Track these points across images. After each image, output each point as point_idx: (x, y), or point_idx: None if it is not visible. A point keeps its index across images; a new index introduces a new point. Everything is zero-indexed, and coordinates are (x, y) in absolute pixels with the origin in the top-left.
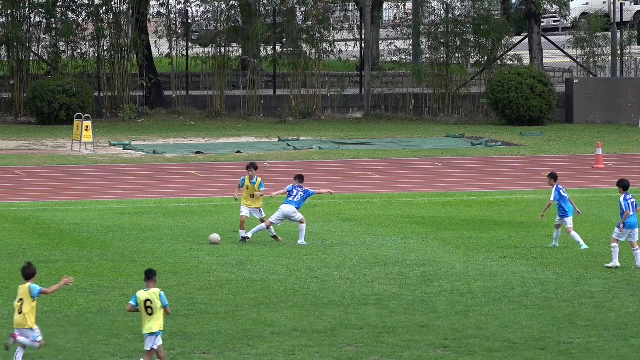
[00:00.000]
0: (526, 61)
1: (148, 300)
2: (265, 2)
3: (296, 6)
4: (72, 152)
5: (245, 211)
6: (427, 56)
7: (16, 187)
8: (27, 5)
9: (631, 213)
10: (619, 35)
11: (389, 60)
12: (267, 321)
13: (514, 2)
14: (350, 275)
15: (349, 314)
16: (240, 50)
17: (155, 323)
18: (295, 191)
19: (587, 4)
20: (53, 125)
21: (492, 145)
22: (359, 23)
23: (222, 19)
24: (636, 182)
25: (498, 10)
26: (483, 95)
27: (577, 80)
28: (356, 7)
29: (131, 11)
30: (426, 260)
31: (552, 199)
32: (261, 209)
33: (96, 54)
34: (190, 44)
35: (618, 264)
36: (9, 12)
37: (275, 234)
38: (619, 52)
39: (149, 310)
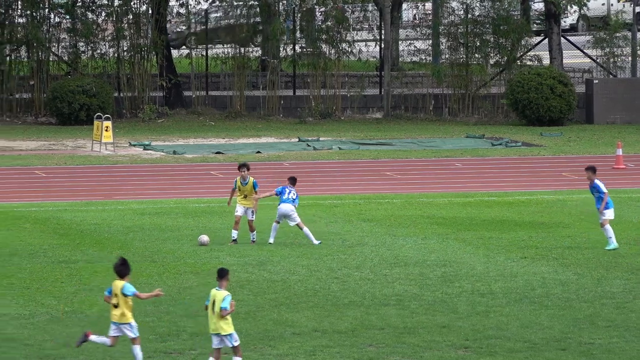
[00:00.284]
0: (546, 61)
1: (213, 300)
2: (285, 2)
3: (315, 6)
4: (92, 153)
5: (240, 210)
6: (447, 56)
7: (36, 188)
8: (46, 6)
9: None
10: (639, 35)
11: (408, 60)
12: (288, 321)
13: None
14: (371, 276)
15: (370, 314)
16: (260, 50)
17: (218, 324)
18: (287, 190)
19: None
20: (73, 126)
21: (512, 146)
22: (378, 23)
23: (240, 19)
24: None
25: (518, 10)
26: (503, 95)
27: (597, 81)
28: (376, 8)
29: (151, 11)
30: (446, 261)
31: (605, 190)
32: (254, 210)
33: (116, 54)
34: (209, 45)
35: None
36: (28, 12)
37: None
38: (639, 52)
39: (213, 311)
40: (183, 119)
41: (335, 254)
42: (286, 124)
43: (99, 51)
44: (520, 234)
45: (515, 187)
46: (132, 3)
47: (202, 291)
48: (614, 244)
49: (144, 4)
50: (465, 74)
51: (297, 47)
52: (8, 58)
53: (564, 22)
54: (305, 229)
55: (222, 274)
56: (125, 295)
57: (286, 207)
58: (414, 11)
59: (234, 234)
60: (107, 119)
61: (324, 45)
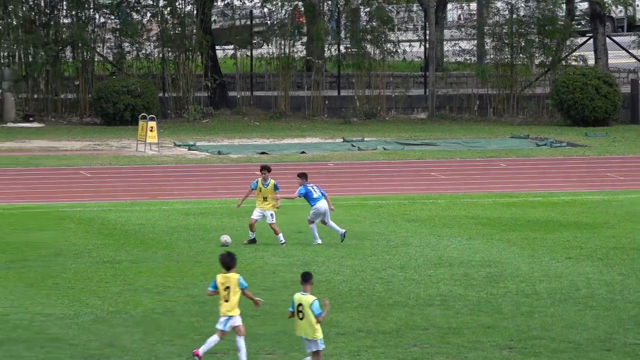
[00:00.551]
0: (591, 62)
1: (300, 305)
2: (330, 2)
3: (360, 7)
4: (136, 153)
5: (256, 214)
6: (492, 57)
7: (81, 188)
8: (91, 6)
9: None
10: None
11: (453, 60)
12: (332, 322)
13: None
14: (415, 276)
15: (414, 314)
16: (305, 50)
17: (308, 329)
18: (312, 187)
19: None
20: (118, 126)
21: (557, 146)
22: (423, 23)
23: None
24: None
25: (563, 11)
26: (548, 95)
27: None
28: (420, 8)
29: (195, 12)
30: (491, 261)
31: None
32: (273, 213)
33: (161, 55)
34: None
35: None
36: (73, 13)
37: (284, 241)
38: None
39: (300, 315)
40: (228, 119)
41: (380, 254)
42: (331, 124)
43: (143, 51)
44: (565, 235)
45: (560, 187)
46: (176, 3)
47: None
48: None
49: (188, 4)
50: (510, 74)
51: (341, 48)
52: (53, 58)
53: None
54: (313, 225)
55: (306, 278)
56: (241, 288)
57: (324, 204)
58: (459, 11)
59: (251, 235)
60: (151, 119)
61: (368, 46)
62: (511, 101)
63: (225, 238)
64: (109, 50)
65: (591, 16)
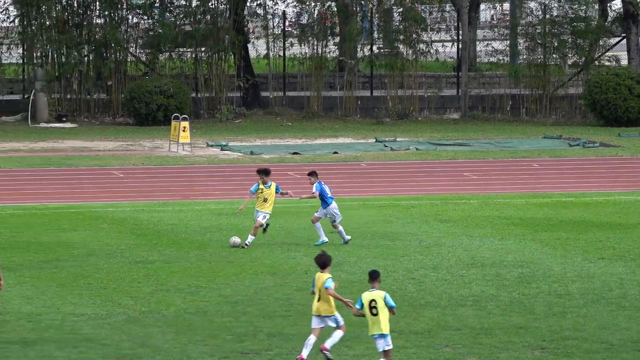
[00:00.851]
0: (624, 62)
1: (373, 300)
2: (363, 2)
3: (393, 7)
4: (169, 153)
5: (260, 216)
6: (524, 57)
7: (114, 188)
8: (124, 7)
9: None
10: None
11: (485, 61)
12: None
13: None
14: (448, 277)
15: (446, 315)
16: (337, 51)
17: (381, 324)
18: (325, 186)
19: None
20: (150, 126)
21: (589, 146)
22: (456, 24)
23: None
24: None
25: (595, 11)
26: (581, 96)
27: None
28: (453, 8)
29: (228, 12)
30: (523, 262)
31: None
32: (269, 215)
33: (193, 55)
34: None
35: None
36: (106, 13)
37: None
38: None
39: (374, 311)
40: (260, 120)
41: (412, 254)
42: (363, 125)
43: (176, 51)
44: (597, 235)
45: (593, 187)
46: (209, 4)
47: (278, 292)
48: None
49: (221, 5)
50: (543, 74)
51: (374, 48)
52: (86, 59)
53: None
54: (318, 224)
55: (374, 275)
56: (326, 288)
57: (335, 204)
58: (492, 12)
59: (250, 238)
60: (184, 119)
61: (401, 46)
62: (544, 101)
63: (235, 239)
64: (141, 51)
65: (624, 16)
